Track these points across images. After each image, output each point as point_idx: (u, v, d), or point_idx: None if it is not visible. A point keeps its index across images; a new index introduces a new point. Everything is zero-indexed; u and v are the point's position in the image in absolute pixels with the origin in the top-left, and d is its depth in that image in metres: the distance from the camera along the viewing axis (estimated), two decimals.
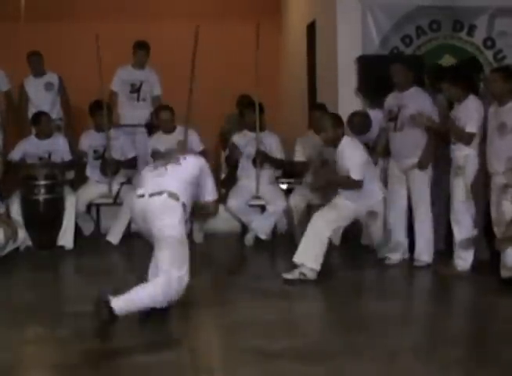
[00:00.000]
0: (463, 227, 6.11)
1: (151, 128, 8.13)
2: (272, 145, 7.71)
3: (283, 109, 10.68)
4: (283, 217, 7.71)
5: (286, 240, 7.47)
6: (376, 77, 7.24)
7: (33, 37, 9.60)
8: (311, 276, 5.91)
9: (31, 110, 8.20)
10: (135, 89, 8.30)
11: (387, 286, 6.15)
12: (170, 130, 7.65)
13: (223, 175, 8.35)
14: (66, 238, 7.28)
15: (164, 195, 4.57)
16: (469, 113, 6.03)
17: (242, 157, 7.69)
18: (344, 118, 6.60)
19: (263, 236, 7.49)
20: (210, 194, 4.95)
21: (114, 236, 7.52)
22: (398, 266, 6.47)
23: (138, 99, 8.33)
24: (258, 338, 4.45)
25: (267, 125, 7.95)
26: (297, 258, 5.97)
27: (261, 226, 7.49)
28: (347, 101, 7.71)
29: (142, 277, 4.96)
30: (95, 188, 7.74)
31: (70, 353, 4.27)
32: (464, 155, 6.08)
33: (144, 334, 4.66)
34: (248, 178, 7.59)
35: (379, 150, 6.85)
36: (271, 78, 9.71)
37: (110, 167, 7.62)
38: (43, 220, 7.18)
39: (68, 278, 6.85)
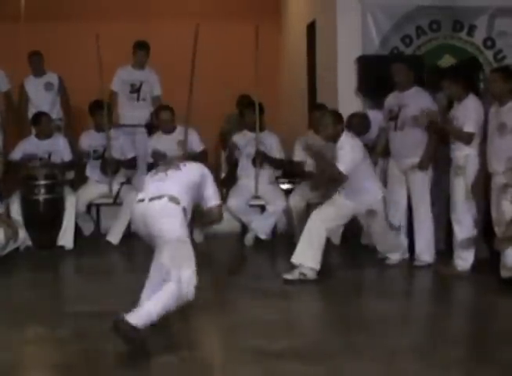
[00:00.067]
0: (464, 227, 6.11)
1: (151, 128, 8.13)
2: (272, 145, 7.71)
3: (283, 109, 10.68)
4: (282, 217, 7.71)
5: (286, 240, 7.47)
6: (376, 78, 7.25)
7: (33, 37, 9.61)
8: (311, 275, 5.91)
9: (31, 110, 8.21)
10: (135, 89, 8.31)
11: (387, 286, 6.15)
12: (170, 130, 7.65)
13: (223, 175, 8.35)
14: (66, 238, 7.28)
15: (164, 199, 4.54)
16: (467, 112, 6.04)
17: (241, 156, 7.70)
18: (344, 119, 6.60)
19: (263, 236, 7.49)
20: (212, 200, 4.87)
21: (114, 236, 7.52)
22: (398, 266, 6.47)
23: (138, 99, 8.33)
24: (258, 338, 4.45)
25: (267, 125, 7.95)
26: (296, 258, 5.98)
27: (261, 226, 7.49)
28: (347, 101, 7.71)
29: (142, 277, 4.96)
30: (95, 188, 7.75)
31: (70, 353, 4.28)
32: (464, 155, 6.08)
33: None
34: (248, 178, 7.59)
35: (378, 150, 6.85)
36: (271, 78, 9.71)
37: (111, 166, 7.62)
38: (43, 220, 7.18)
39: (68, 278, 6.85)
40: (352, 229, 7.20)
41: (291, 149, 7.69)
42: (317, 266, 5.93)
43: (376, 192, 6.21)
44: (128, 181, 7.88)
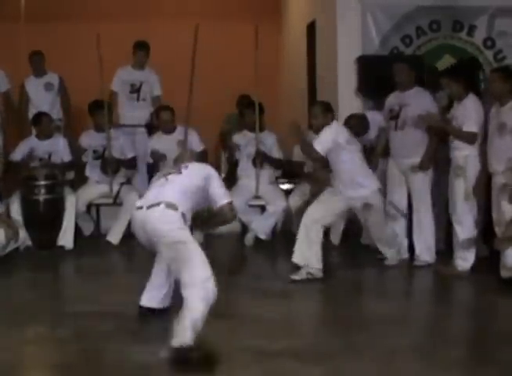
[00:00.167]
0: (465, 227, 6.11)
1: (151, 128, 8.14)
2: (272, 145, 7.72)
3: (283, 109, 10.68)
4: (282, 217, 7.71)
5: (286, 239, 7.47)
6: (376, 78, 7.25)
7: (33, 37, 9.61)
8: (318, 274, 5.95)
9: (31, 111, 8.21)
10: (135, 89, 8.31)
11: (387, 286, 6.15)
12: (170, 130, 7.66)
13: (223, 175, 8.35)
14: (66, 238, 7.28)
15: (161, 206, 4.46)
16: (467, 112, 6.04)
17: (242, 156, 7.70)
18: (344, 119, 6.61)
19: (263, 236, 7.49)
20: (222, 199, 4.74)
21: (114, 236, 7.52)
22: (398, 266, 6.47)
23: (138, 100, 8.34)
24: (258, 337, 4.45)
25: (266, 125, 7.95)
26: (296, 258, 5.99)
27: (261, 226, 7.50)
28: (347, 101, 7.72)
29: (142, 277, 4.97)
30: (95, 188, 7.75)
31: (70, 353, 4.28)
32: (464, 155, 6.08)
33: (144, 333, 4.66)
34: (248, 178, 7.59)
35: (379, 151, 6.84)
36: (271, 78, 9.71)
37: (111, 166, 7.62)
38: (43, 220, 7.19)
39: (68, 278, 6.85)
40: (352, 229, 7.21)
41: (291, 149, 7.69)
42: (321, 265, 5.97)
43: (371, 184, 6.15)
44: (128, 181, 7.88)
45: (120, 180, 7.75)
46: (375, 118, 6.92)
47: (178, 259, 4.30)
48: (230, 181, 7.81)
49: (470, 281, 6.03)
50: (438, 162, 6.49)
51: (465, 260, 6.12)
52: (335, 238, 7.35)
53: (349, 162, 6.05)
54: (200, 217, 4.83)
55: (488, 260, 6.21)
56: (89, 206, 7.92)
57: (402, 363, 4.13)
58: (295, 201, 7.43)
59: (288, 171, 7.99)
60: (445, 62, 7.81)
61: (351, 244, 7.28)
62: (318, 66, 8.79)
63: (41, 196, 7.14)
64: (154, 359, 4.13)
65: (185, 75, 7.46)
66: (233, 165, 7.89)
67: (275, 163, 7.72)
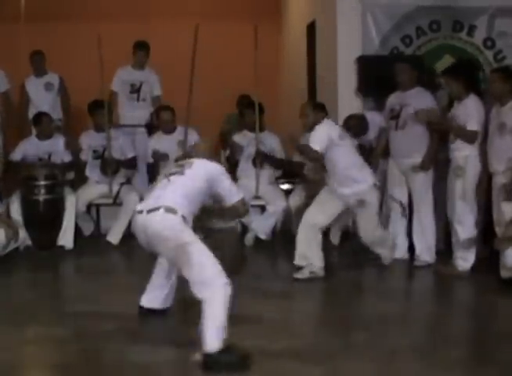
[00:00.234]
0: (466, 227, 6.12)
1: (151, 128, 8.14)
2: (272, 145, 7.72)
3: (283, 109, 10.68)
4: (282, 217, 7.71)
5: (286, 239, 7.47)
6: (376, 78, 7.24)
7: (33, 37, 9.60)
8: (320, 273, 5.98)
9: (31, 111, 8.21)
10: (135, 89, 8.31)
11: (387, 286, 6.15)
12: (170, 130, 7.66)
13: None
14: (66, 238, 7.28)
15: (160, 210, 4.35)
16: (468, 111, 6.04)
17: (242, 156, 7.69)
18: (343, 119, 6.61)
19: (263, 236, 7.49)
20: (232, 197, 4.66)
21: (114, 237, 7.53)
22: (398, 266, 6.47)
23: (138, 100, 8.34)
24: (258, 337, 4.45)
25: (266, 125, 7.95)
26: (299, 261, 6.01)
27: (261, 226, 7.50)
28: (347, 101, 7.71)
29: (142, 277, 4.97)
30: (95, 188, 7.75)
31: (69, 353, 4.28)
32: (464, 156, 6.08)
33: (144, 333, 4.66)
34: (248, 178, 7.59)
35: (379, 151, 6.84)
36: (270, 78, 9.71)
37: (111, 166, 7.62)
38: (43, 220, 7.19)
39: (68, 278, 6.85)
40: (353, 229, 7.20)
41: (291, 149, 7.69)
42: (322, 263, 5.99)
43: (367, 179, 6.08)
44: (128, 181, 7.88)
45: (120, 180, 7.75)
46: (374, 119, 6.91)
47: (186, 262, 4.22)
48: None
49: (470, 281, 6.03)
50: (439, 162, 6.49)
51: (465, 260, 6.12)
52: (335, 238, 7.36)
53: (343, 158, 6.00)
54: (208, 212, 4.78)
55: (488, 260, 6.21)
56: (89, 206, 7.92)
57: (402, 363, 4.13)
58: (295, 201, 7.43)
59: (288, 171, 7.98)
60: (445, 62, 7.80)
61: (351, 244, 7.27)
62: (318, 66, 8.79)
63: (41, 196, 7.14)
64: (154, 359, 4.13)
65: (185, 75, 7.46)
66: (233, 165, 7.88)
67: (275, 163, 7.72)
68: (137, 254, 7.05)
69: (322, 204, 6.11)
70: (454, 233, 6.19)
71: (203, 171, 4.59)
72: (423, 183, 6.48)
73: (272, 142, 7.72)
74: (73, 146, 7.85)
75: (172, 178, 4.55)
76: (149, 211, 4.39)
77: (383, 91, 6.85)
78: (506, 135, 5.81)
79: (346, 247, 7.30)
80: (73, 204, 7.36)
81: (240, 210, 4.75)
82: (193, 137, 7.58)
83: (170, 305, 4.91)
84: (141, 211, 4.45)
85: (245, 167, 7.68)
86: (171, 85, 8.25)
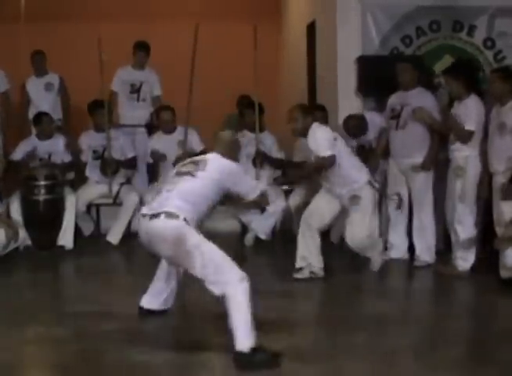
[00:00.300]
0: (466, 227, 6.12)
1: (151, 128, 8.14)
2: (272, 145, 7.72)
3: (283, 109, 10.65)
4: (282, 217, 7.71)
5: (286, 239, 7.47)
6: (376, 78, 7.24)
7: (33, 37, 9.59)
8: (320, 273, 5.99)
9: (32, 111, 8.21)
10: (135, 90, 8.32)
11: (387, 286, 6.15)
12: (170, 130, 7.66)
13: None
14: (66, 238, 7.28)
15: (161, 217, 4.25)
16: (468, 111, 6.04)
17: (241, 156, 7.68)
18: (343, 119, 6.61)
19: (263, 236, 7.49)
20: (250, 194, 4.58)
21: (114, 237, 7.53)
22: (398, 266, 6.47)
23: (138, 100, 8.34)
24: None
25: (266, 125, 7.95)
26: (300, 263, 6.00)
27: (261, 226, 7.49)
28: (347, 101, 7.70)
29: (142, 278, 4.97)
30: (95, 188, 7.75)
31: (69, 353, 4.28)
32: (464, 156, 6.08)
33: (144, 333, 4.66)
34: None
35: (379, 151, 6.84)
36: (270, 78, 9.71)
37: (110, 166, 7.62)
38: (43, 220, 7.19)
39: (68, 278, 6.86)
40: None
41: (291, 149, 7.69)
42: (322, 264, 6.00)
43: (362, 177, 5.98)
44: (128, 181, 7.88)
45: (119, 180, 7.75)
46: (374, 119, 6.92)
47: (199, 263, 4.15)
48: None
49: (470, 281, 6.03)
50: (439, 162, 6.49)
51: (465, 260, 6.13)
52: (335, 238, 7.35)
53: (342, 159, 5.90)
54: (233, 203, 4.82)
55: (488, 260, 6.21)
56: (89, 206, 7.92)
57: (402, 363, 4.13)
58: (295, 201, 7.43)
59: (288, 171, 7.97)
60: (445, 62, 7.79)
61: None
62: (318, 66, 8.79)
63: (41, 196, 7.15)
64: (154, 359, 4.13)
65: (185, 75, 7.46)
66: None
67: (275, 163, 7.72)
68: (137, 254, 7.07)
69: (319, 204, 6.10)
70: (454, 233, 6.19)
71: (217, 175, 4.43)
72: (423, 183, 6.48)
73: (271, 143, 7.73)
74: (73, 147, 7.85)
75: (182, 179, 4.40)
76: (152, 217, 4.29)
77: (383, 91, 6.85)
78: (507, 135, 5.81)
79: (346, 247, 7.28)
80: (73, 204, 7.37)
81: (262, 201, 4.78)
82: (193, 137, 7.59)
83: (170, 305, 4.90)
84: (144, 215, 4.36)
85: (245, 167, 7.66)
86: (171, 85, 8.25)
